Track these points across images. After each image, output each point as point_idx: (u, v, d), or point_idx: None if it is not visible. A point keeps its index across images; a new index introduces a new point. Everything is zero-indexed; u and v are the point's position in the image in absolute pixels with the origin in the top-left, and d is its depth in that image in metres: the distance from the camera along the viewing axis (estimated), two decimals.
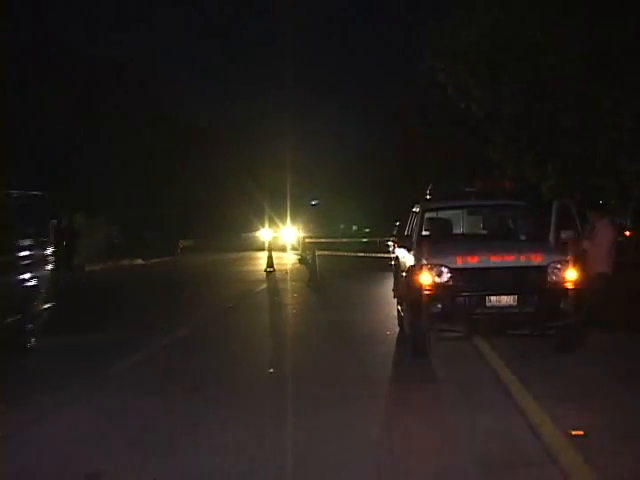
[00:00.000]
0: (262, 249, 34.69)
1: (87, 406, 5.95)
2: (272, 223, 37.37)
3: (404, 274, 8.37)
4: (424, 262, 7.50)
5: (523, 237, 8.88)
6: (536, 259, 7.45)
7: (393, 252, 10.92)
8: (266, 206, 37.87)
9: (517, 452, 4.56)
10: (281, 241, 36.92)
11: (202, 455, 4.63)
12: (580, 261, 7.78)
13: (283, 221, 37.49)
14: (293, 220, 37.84)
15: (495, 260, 7.47)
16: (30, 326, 8.47)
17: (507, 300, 7.25)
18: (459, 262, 7.41)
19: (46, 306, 9.03)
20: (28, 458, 4.68)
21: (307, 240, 28.65)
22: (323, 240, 34.59)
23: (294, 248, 33.34)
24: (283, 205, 38.23)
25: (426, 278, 7.39)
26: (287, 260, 27.92)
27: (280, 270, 22.16)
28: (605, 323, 8.42)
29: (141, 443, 4.89)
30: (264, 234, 37.54)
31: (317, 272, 18.86)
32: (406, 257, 8.62)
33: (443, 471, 4.31)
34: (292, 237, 36.34)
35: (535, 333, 7.45)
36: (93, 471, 4.35)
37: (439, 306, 7.26)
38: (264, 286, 17.82)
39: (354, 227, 55.15)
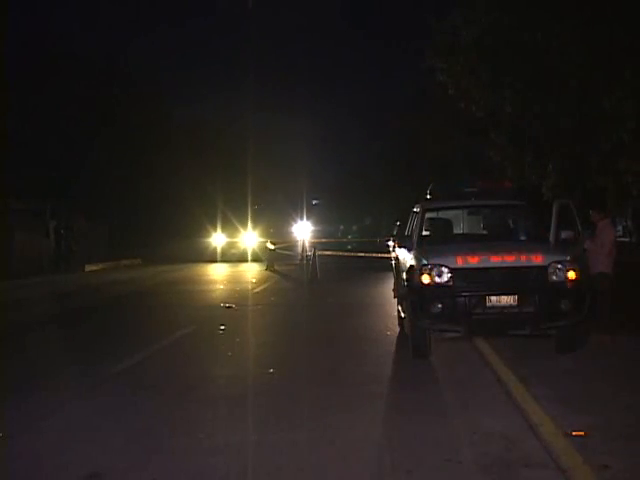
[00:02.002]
0: (214, 260, 29.13)
1: (88, 406, 5.94)
2: (230, 226, 31.72)
3: (404, 274, 8.37)
4: (424, 262, 7.50)
5: (523, 237, 8.88)
6: (537, 259, 7.44)
7: (393, 252, 10.92)
8: (221, 206, 32.72)
9: (517, 452, 4.56)
10: (240, 248, 29.87)
11: (201, 455, 4.64)
12: (581, 261, 7.78)
13: (244, 224, 31.37)
14: (255, 222, 31.54)
15: (495, 260, 7.46)
16: None
17: (507, 300, 7.24)
18: (459, 262, 7.41)
19: None
20: (28, 458, 4.69)
21: (311, 241, 27.65)
22: (324, 240, 32.83)
23: (257, 258, 27.47)
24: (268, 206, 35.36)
25: (426, 278, 7.39)
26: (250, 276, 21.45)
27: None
28: (606, 323, 8.42)
29: (141, 443, 4.89)
30: (217, 240, 31.30)
31: (317, 272, 18.92)
32: (406, 257, 8.62)
33: (443, 471, 4.30)
34: (253, 242, 29.35)
35: (535, 333, 7.45)
36: (93, 471, 4.35)
37: (439, 306, 7.25)
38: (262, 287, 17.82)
39: (354, 227, 55.21)
